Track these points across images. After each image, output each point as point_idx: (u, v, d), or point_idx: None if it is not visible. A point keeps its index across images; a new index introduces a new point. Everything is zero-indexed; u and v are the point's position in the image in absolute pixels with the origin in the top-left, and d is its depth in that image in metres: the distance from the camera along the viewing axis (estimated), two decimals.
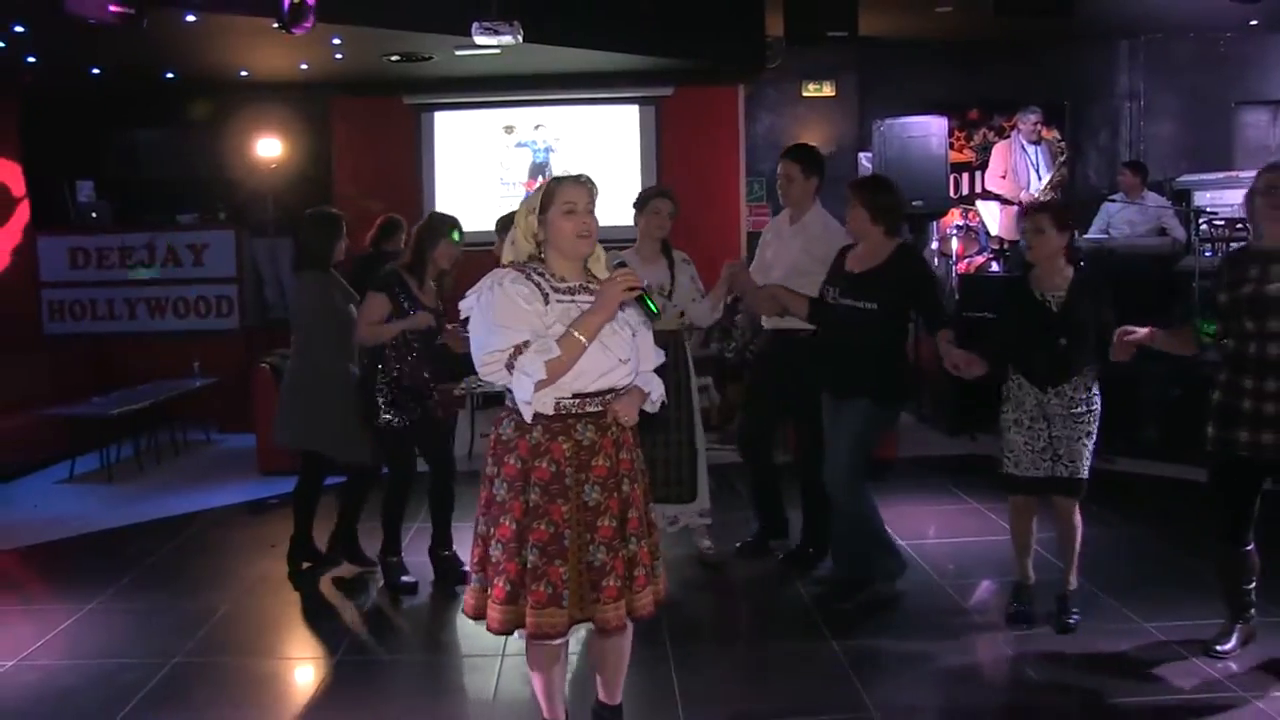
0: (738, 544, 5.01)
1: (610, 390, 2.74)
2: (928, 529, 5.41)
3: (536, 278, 2.75)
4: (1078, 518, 3.98)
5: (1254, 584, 3.70)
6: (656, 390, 2.90)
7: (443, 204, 9.91)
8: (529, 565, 2.69)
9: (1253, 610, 3.75)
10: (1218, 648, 3.70)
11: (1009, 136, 9.05)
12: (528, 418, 2.69)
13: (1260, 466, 3.54)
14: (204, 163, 9.56)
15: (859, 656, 3.84)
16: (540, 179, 9.97)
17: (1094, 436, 3.88)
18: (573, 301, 2.72)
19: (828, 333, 4.30)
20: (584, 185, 2.77)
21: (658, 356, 2.95)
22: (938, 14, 8.93)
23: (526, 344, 2.62)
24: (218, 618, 4.43)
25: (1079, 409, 3.85)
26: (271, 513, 6.10)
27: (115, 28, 5.58)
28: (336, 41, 7.52)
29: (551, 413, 2.71)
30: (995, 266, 9.05)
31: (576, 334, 2.62)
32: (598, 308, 2.65)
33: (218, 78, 8.84)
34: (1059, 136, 9.95)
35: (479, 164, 9.94)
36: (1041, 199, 8.50)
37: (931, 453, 7.03)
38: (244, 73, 8.70)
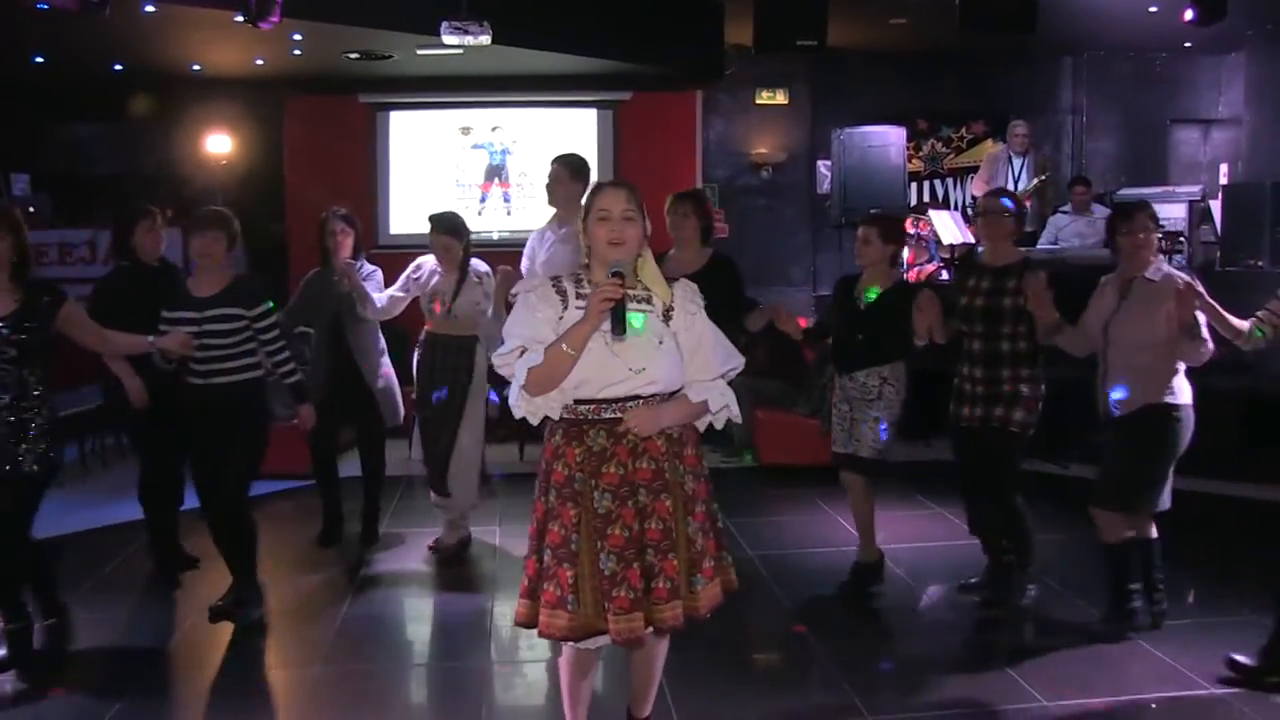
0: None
1: (631, 398, 2.68)
2: (890, 533, 5.47)
3: (566, 284, 2.75)
4: (868, 495, 4.50)
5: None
6: (716, 400, 2.77)
7: (397, 204, 9.82)
8: (544, 565, 2.71)
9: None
10: (972, 580, 4.51)
11: (999, 145, 9.31)
12: (531, 421, 2.72)
13: (977, 434, 4.23)
14: (150, 159, 9.30)
15: (846, 660, 3.91)
16: (496, 181, 9.92)
17: (883, 424, 4.38)
18: None
19: None
20: (620, 190, 2.73)
21: (725, 363, 2.82)
22: (891, 26, 9.11)
23: (524, 350, 2.67)
24: (188, 626, 4.32)
25: (871, 395, 4.38)
26: None
27: (71, 14, 5.40)
28: (297, 37, 7.38)
29: (558, 418, 2.71)
30: (945, 275, 9.21)
31: (563, 345, 2.61)
32: (584, 318, 2.62)
33: (168, 71, 8.60)
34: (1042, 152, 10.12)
35: (434, 165, 9.83)
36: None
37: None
38: (196, 67, 8.49)
